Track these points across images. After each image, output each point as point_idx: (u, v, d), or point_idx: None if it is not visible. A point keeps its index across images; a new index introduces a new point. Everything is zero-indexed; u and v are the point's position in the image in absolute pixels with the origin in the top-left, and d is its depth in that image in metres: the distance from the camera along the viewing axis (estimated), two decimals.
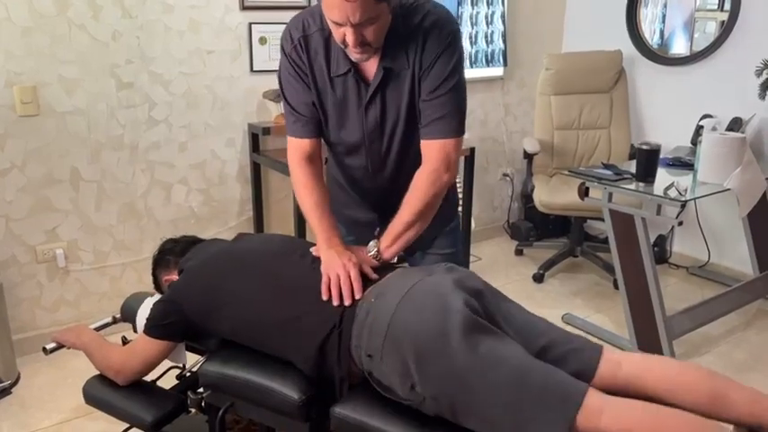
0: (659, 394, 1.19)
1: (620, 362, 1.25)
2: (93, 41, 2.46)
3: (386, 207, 1.55)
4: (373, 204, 1.64)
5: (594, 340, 2.78)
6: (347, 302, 1.30)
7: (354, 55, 1.37)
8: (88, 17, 2.42)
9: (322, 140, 1.58)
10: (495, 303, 1.32)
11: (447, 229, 1.68)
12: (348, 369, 1.30)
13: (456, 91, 1.44)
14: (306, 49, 1.44)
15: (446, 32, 1.41)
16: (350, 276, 1.34)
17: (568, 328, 2.80)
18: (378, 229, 1.58)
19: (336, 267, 1.35)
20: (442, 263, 1.43)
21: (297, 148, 1.55)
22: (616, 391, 1.18)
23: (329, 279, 1.34)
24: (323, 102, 1.49)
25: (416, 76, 1.42)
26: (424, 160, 1.48)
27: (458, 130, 1.47)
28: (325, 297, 1.32)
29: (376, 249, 1.47)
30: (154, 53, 2.60)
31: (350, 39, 1.31)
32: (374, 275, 1.39)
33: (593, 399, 1.09)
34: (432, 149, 1.46)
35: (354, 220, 1.67)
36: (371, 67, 1.43)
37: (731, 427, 1.18)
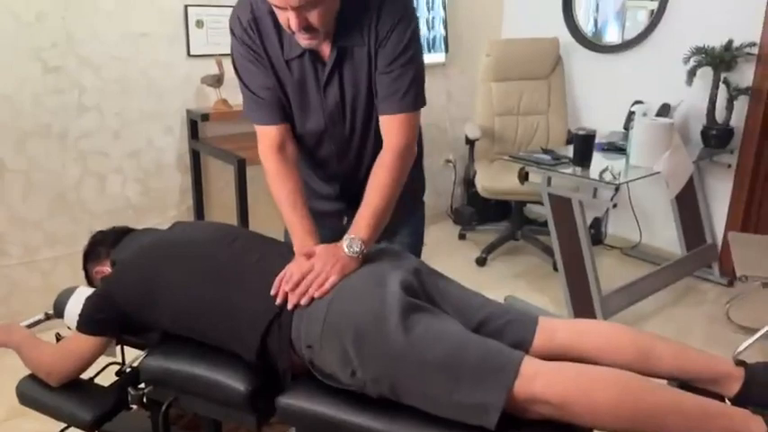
0: (593, 357, 1.24)
1: (555, 329, 1.29)
2: (15, 22, 2.31)
3: (352, 194, 1.50)
4: (340, 192, 1.61)
5: None
6: (279, 300, 1.27)
7: (303, 41, 1.32)
8: None
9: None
10: (432, 282, 1.34)
11: (414, 218, 1.67)
12: (290, 360, 1.29)
13: (414, 62, 1.40)
14: (257, 31, 1.39)
15: (401, 1, 1.37)
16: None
17: None
18: (345, 218, 1.53)
19: (300, 265, 1.30)
20: (375, 244, 1.39)
21: (265, 136, 1.48)
22: (553, 356, 1.22)
23: (284, 275, 1.30)
24: (283, 85, 1.44)
25: (373, 50, 1.38)
26: (387, 137, 1.42)
27: (417, 102, 1.44)
28: (273, 292, 1.29)
29: (360, 244, 1.31)
30: (82, 35, 2.47)
31: (293, 23, 1.27)
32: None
33: (528, 366, 1.12)
34: (393, 125, 1.42)
35: (322, 212, 1.58)
36: (326, 47, 1.39)
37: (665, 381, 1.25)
